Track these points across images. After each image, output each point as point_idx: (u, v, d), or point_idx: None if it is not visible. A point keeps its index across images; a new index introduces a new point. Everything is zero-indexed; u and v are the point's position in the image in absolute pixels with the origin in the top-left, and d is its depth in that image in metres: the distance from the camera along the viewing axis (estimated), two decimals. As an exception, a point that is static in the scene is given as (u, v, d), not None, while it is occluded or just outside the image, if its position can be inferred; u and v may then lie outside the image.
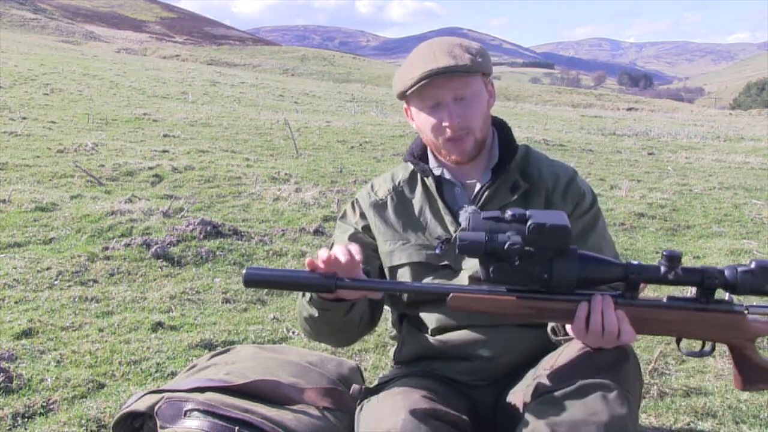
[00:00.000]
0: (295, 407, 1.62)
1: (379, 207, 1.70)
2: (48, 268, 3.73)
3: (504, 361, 1.58)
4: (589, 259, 1.22)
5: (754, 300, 1.29)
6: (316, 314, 1.52)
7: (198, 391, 1.60)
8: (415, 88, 1.54)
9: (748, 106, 51.17)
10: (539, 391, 1.35)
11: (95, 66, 21.67)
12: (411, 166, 1.72)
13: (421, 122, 1.60)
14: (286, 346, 2.71)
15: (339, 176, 6.87)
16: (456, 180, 1.65)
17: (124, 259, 3.97)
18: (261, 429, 1.50)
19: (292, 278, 1.25)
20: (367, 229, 1.70)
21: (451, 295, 1.27)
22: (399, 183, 1.72)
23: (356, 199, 1.75)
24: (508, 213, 1.21)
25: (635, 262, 1.23)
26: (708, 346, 1.31)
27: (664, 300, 1.25)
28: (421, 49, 1.60)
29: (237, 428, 1.49)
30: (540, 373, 1.41)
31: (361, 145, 9.38)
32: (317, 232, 4.76)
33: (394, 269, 1.65)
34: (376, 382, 1.73)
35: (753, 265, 1.17)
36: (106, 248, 4.09)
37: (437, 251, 1.58)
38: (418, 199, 1.67)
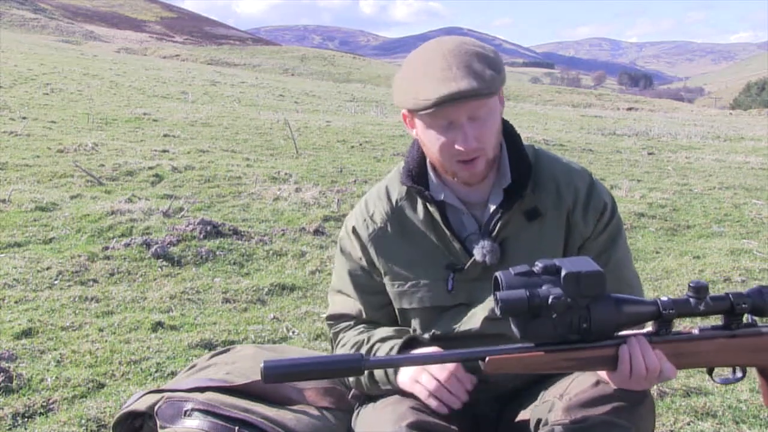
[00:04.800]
0: (295, 407, 1.62)
1: (380, 239, 1.54)
2: (48, 268, 3.74)
3: (513, 385, 1.54)
4: (623, 301, 1.20)
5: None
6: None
7: (198, 390, 1.60)
8: (431, 111, 1.37)
9: (748, 106, 51.15)
10: (550, 419, 1.32)
11: (95, 66, 21.68)
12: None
13: (429, 140, 1.44)
14: (286, 345, 2.71)
15: (339, 176, 6.87)
16: (461, 204, 1.51)
17: (124, 259, 3.97)
18: (261, 429, 1.50)
19: (318, 365, 1.18)
20: (371, 264, 1.56)
21: (487, 359, 1.21)
22: (397, 202, 1.55)
23: (353, 229, 1.58)
24: (538, 265, 1.17)
25: (665, 298, 1.21)
26: (739, 371, 1.32)
27: (696, 332, 1.25)
28: (434, 60, 1.39)
29: (237, 428, 1.49)
30: (551, 399, 1.37)
31: (361, 145, 9.38)
32: (317, 232, 4.76)
33: (403, 311, 1.56)
34: None
35: None
36: (106, 248, 4.09)
37: (449, 287, 1.49)
38: (420, 222, 1.52)
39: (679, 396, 2.58)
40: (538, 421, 1.36)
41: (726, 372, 1.33)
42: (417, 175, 1.53)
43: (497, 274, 1.18)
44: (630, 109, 34.58)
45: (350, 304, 1.61)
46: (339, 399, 1.68)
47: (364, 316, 1.60)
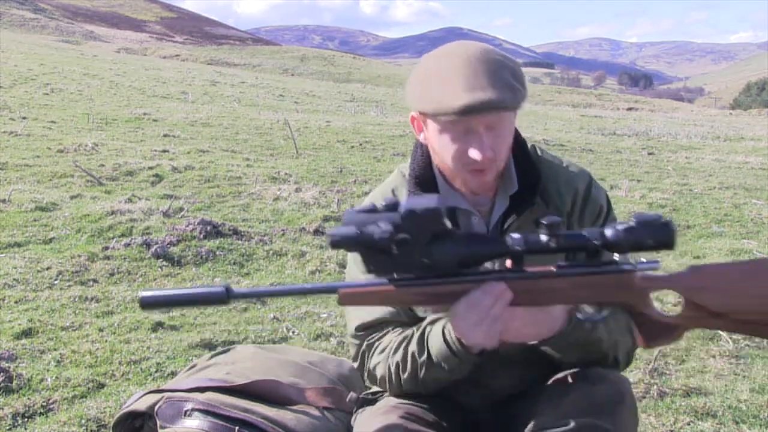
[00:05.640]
0: (295, 407, 1.63)
1: None
2: (48, 268, 3.73)
3: (515, 392, 1.54)
4: (468, 238, 1.18)
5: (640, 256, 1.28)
6: (453, 370, 1.38)
7: (198, 390, 1.61)
8: (453, 119, 1.33)
9: (748, 106, 51.18)
10: (537, 425, 1.35)
11: (95, 66, 21.68)
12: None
13: (441, 145, 1.40)
14: (286, 346, 2.71)
15: (339, 176, 6.87)
16: (473, 207, 1.48)
17: (124, 259, 3.97)
18: (261, 429, 1.50)
19: (186, 295, 1.21)
20: None
21: (339, 291, 1.22)
22: None
23: None
24: (382, 203, 1.16)
25: (516, 235, 1.18)
26: (605, 310, 1.29)
27: (553, 268, 1.21)
28: (458, 64, 1.34)
29: (237, 428, 1.49)
30: (542, 405, 1.39)
31: (361, 145, 9.38)
32: (317, 232, 4.76)
33: (417, 316, 1.51)
34: (372, 389, 1.68)
35: (633, 222, 1.16)
36: (106, 248, 4.09)
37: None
38: None
39: (679, 396, 2.58)
40: (529, 429, 1.38)
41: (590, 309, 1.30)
42: (425, 182, 1.50)
43: (344, 213, 1.19)
44: (630, 109, 34.60)
45: (380, 308, 1.47)
46: (339, 399, 1.68)
47: (401, 317, 1.47)
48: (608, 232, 1.16)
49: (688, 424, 2.38)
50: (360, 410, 1.56)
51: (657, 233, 1.15)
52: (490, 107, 1.30)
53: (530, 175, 1.48)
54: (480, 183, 1.42)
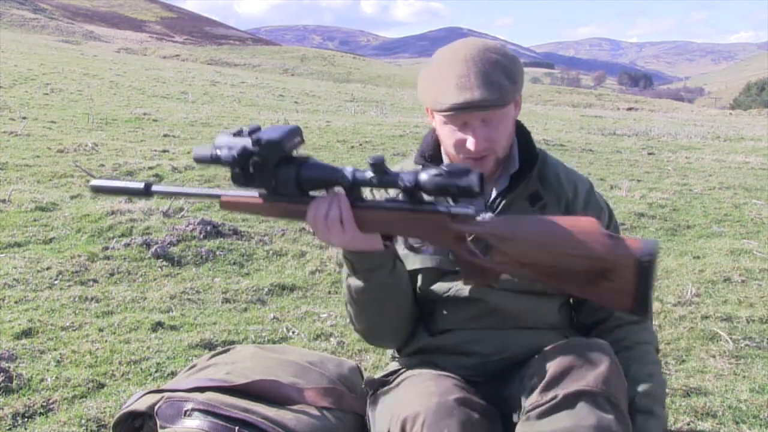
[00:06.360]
0: (295, 407, 1.63)
1: None
2: (48, 268, 3.73)
3: (500, 358, 1.59)
4: (309, 166, 1.37)
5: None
6: (362, 283, 1.49)
7: (198, 390, 1.61)
8: (445, 114, 1.49)
9: (748, 106, 51.20)
10: (527, 406, 1.40)
11: (95, 66, 21.67)
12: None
13: (445, 135, 1.56)
14: (286, 345, 2.71)
15: (339, 176, 6.86)
16: None
17: (124, 259, 3.97)
18: (261, 429, 1.50)
19: (114, 187, 1.47)
20: None
21: (221, 198, 1.42)
22: None
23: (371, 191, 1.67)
24: (245, 128, 1.33)
25: (349, 168, 1.38)
26: (427, 246, 1.44)
27: (383, 201, 1.39)
28: (455, 63, 1.48)
29: (237, 428, 1.50)
30: (526, 383, 1.44)
31: (361, 145, 9.38)
32: (317, 232, 4.75)
33: (409, 272, 1.63)
34: (381, 374, 1.71)
35: (444, 169, 1.28)
36: (106, 248, 4.09)
37: (450, 255, 1.55)
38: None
39: (679, 396, 2.58)
40: (521, 406, 1.43)
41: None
42: (431, 157, 1.64)
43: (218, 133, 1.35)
44: (630, 109, 34.60)
45: None
46: (339, 399, 1.68)
47: None
48: (421, 176, 1.30)
49: (688, 424, 2.38)
50: (379, 392, 1.61)
51: (461, 180, 1.26)
52: (475, 106, 1.45)
53: (530, 158, 1.61)
54: (479, 169, 1.52)
